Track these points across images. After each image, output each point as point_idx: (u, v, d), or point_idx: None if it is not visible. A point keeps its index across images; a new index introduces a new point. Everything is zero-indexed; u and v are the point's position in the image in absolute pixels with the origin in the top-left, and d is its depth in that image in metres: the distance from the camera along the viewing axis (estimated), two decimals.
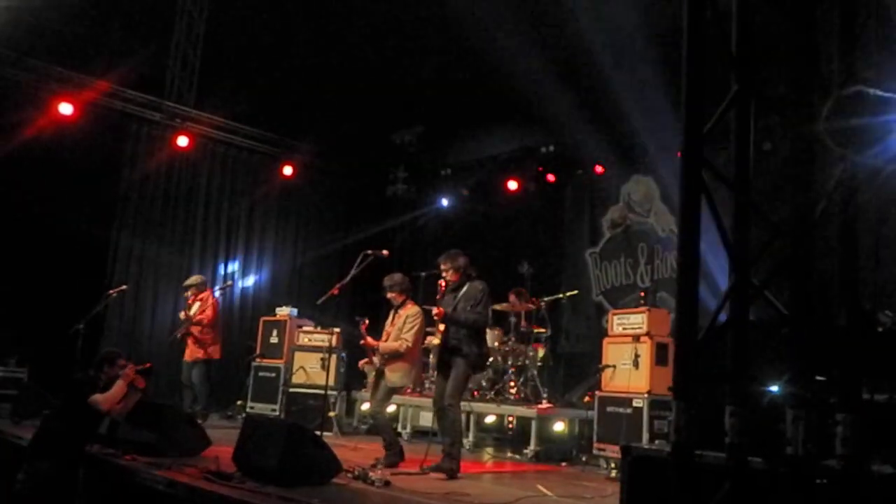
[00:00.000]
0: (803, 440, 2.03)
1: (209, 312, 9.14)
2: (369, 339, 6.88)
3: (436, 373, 6.63)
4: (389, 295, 6.93)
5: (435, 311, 6.31)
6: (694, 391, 2.21)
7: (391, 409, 8.50)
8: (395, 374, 6.72)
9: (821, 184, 2.34)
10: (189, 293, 9.45)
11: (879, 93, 2.23)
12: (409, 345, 6.68)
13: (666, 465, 2.46)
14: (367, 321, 7.05)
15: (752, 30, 2.53)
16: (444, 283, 6.44)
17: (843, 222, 2.28)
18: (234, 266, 11.73)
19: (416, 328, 6.73)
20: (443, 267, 6.46)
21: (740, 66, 2.48)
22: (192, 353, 9.13)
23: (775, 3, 2.46)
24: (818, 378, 2.15)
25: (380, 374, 6.81)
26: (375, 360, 6.84)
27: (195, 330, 9.06)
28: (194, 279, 9.55)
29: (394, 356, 6.73)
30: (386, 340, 6.86)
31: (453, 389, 6.16)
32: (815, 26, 2.36)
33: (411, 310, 6.84)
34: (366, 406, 9.65)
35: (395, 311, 6.92)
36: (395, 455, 6.55)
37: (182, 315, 9.34)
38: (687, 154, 2.39)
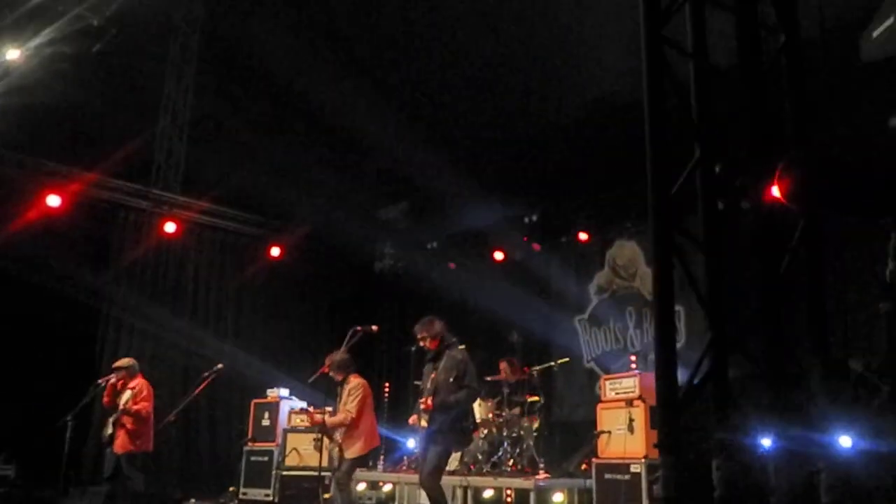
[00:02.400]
0: (787, 491, 2.06)
1: (145, 404, 8.16)
2: (315, 417, 7.34)
3: (421, 449, 6.50)
4: (331, 374, 7.32)
5: (422, 405, 6.26)
6: (680, 445, 2.25)
7: (360, 487, 9.11)
8: (349, 446, 7.07)
9: (786, 240, 2.43)
10: (116, 377, 8.37)
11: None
12: (353, 415, 7.02)
13: None
14: (312, 408, 7.70)
15: (710, 98, 2.66)
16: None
17: (809, 274, 2.37)
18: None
19: (358, 398, 7.09)
20: (419, 336, 6.45)
21: (701, 132, 2.61)
22: (123, 444, 8.08)
23: (729, 73, 2.60)
24: (801, 430, 2.19)
25: (341, 449, 7.16)
26: (336, 436, 7.17)
27: (127, 421, 8.06)
28: (125, 362, 8.56)
29: (347, 430, 7.07)
30: None
31: (431, 469, 6.10)
32: (767, 93, 2.49)
33: (353, 382, 7.22)
34: (361, 486, 9.54)
35: (341, 387, 7.29)
36: None
37: (105, 399, 8.29)
38: (656, 217, 2.49)
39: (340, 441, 7.20)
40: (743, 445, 2.25)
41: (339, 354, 7.30)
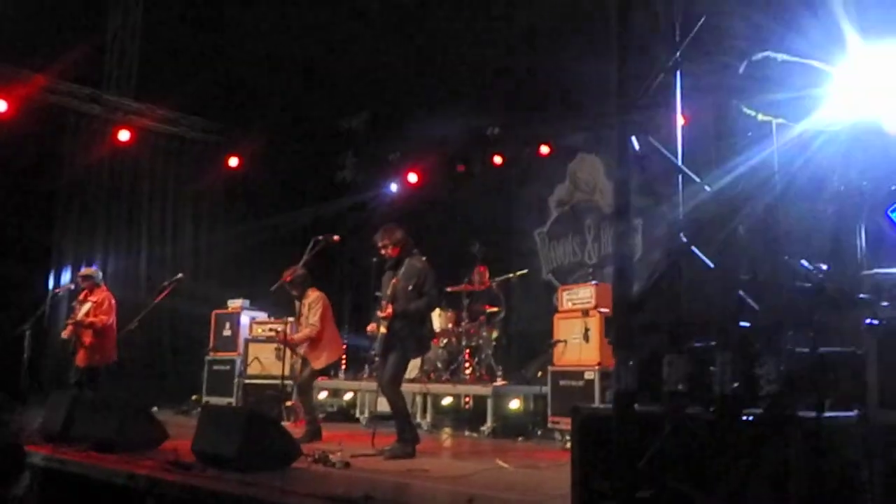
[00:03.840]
0: (730, 381, 2.18)
1: (103, 317, 8.09)
2: (282, 335, 7.66)
3: (380, 355, 6.51)
4: (288, 289, 7.50)
5: (381, 313, 6.31)
6: (632, 343, 2.36)
7: (322, 395, 9.56)
8: (315, 357, 7.35)
9: (741, 149, 2.49)
10: (81, 286, 8.38)
11: (786, 57, 2.39)
12: (318, 328, 7.28)
13: (612, 421, 2.60)
14: (278, 326, 8.04)
15: (676, 9, 2.67)
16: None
17: (763, 182, 2.44)
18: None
19: (319, 311, 7.33)
20: (380, 244, 6.45)
21: (668, 39, 2.62)
22: (83, 358, 8.13)
23: None
24: (743, 325, 2.31)
25: (305, 361, 7.43)
26: (300, 349, 7.50)
27: (86, 335, 8.05)
28: (89, 271, 8.47)
29: (311, 343, 7.33)
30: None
31: (391, 376, 6.22)
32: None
33: (312, 296, 7.42)
34: (323, 395, 9.76)
35: (299, 302, 7.50)
36: (312, 433, 7.01)
37: (74, 314, 8.25)
38: (620, 123, 2.53)
39: (305, 353, 7.42)
40: (692, 343, 2.37)
41: (297, 271, 7.40)
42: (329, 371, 8.86)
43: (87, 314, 8.12)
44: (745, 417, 2.25)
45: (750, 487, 2.22)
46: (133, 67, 11.14)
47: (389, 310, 6.20)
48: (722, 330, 2.22)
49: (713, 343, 2.32)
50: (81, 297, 8.35)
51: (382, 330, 6.30)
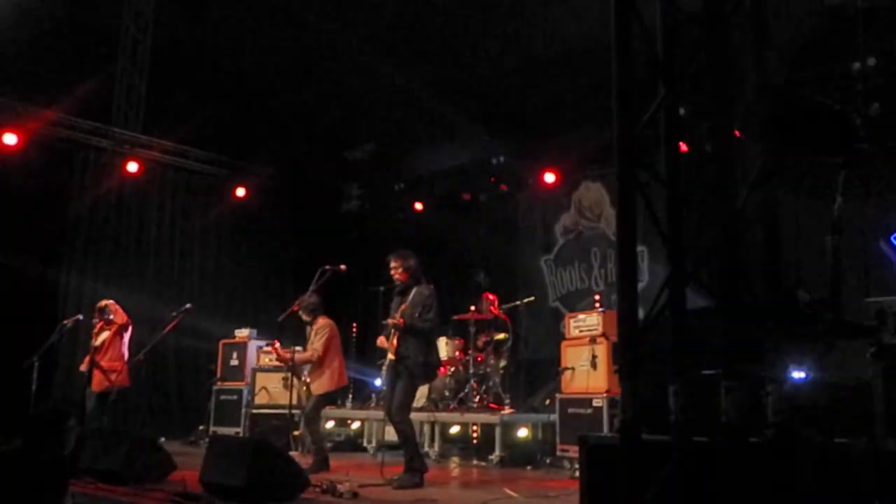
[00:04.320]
0: (737, 409, 2.19)
1: (115, 351, 8.44)
2: (281, 353, 7.64)
3: (386, 383, 6.58)
4: (301, 315, 7.57)
5: (392, 320, 6.34)
6: (639, 372, 2.37)
7: (329, 424, 9.48)
8: (316, 383, 7.41)
9: (743, 177, 2.53)
10: (96, 318, 8.67)
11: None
12: (320, 352, 7.34)
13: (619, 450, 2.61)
14: (277, 340, 7.99)
15: (675, 40, 2.72)
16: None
17: (764, 210, 2.47)
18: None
19: (325, 337, 7.40)
20: (392, 265, 6.51)
21: (666, 73, 2.67)
22: (98, 382, 8.39)
23: (693, 18, 2.65)
24: (747, 353, 2.32)
25: (308, 387, 7.56)
26: (304, 374, 7.60)
27: (103, 360, 8.37)
28: (103, 303, 8.73)
29: (313, 367, 7.41)
30: None
31: (399, 404, 6.21)
32: (729, 37, 2.55)
33: (320, 323, 7.52)
34: (330, 424, 9.73)
35: (309, 327, 7.58)
36: (319, 463, 7.02)
37: (85, 361, 8.58)
38: (621, 153, 2.56)
39: (307, 378, 7.51)
40: (699, 376, 2.38)
41: (309, 297, 7.47)
42: (336, 400, 8.85)
43: (102, 345, 8.41)
44: (752, 444, 2.25)
45: None
46: (140, 101, 11.29)
47: (400, 319, 6.23)
48: (727, 359, 2.23)
49: (718, 372, 2.34)
50: (97, 329, 8.63)
51: (390, 356, 6.31)
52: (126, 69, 11.17)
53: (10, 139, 9.84)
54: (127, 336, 8.69)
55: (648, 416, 2.50)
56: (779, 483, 2.36)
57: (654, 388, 2.48)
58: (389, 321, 6.37)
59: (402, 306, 6.31)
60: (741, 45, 2.58)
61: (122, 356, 8.55)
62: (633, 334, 2.42)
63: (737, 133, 2.54)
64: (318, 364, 7.37)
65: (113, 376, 8.33)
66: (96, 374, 8.36)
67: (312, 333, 7.50)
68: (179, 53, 11.10)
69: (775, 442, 2.29)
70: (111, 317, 8.55)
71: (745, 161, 2.50)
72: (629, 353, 2.43)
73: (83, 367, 8.60)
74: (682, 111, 2.88)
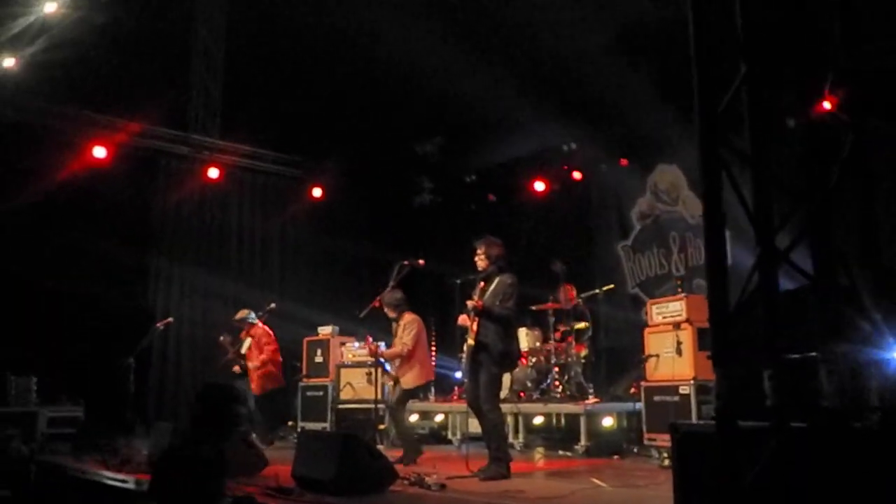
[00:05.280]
0: (838, 393, 2.10)
1: (263, 357, 9.16)
2: (373, 348, 7.93)
3: (467, 372, 6.52)
4: (387, 311, 7.72)
5: (471, 302, 6.28)
6: (732, 358, 2.30)
7: (413, 417, 9.54)
8: (406, 377, 7.53)
9: (834, 153, 2.42)
10: (239, 327, 9.50)
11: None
12: (409, 347, 7.48)
13: (714, 438, 2.55)
14: (370, 337, 8.24)
15: (756, 13, 2.62)
16: (482, 284, 6.43)
17: (858, 186, 2.36)
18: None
19: (413, 332, 7.54)
20: (478, 251, 6.46)
21: (748, 48, 2.58)
22: (258, 387, 9.25)
23: None
24: (846, 334, 2.23)
25: (396, 381, 7.64)
26: (391, 369, 7.78)
27: (253, 368, 9.10)
28: (241, 314, 9.50)
29: (402, 362, 7.55)
30: None
31: (487, 393, 6.17)
32: (814, 4, 2.44)
33: (407, 318, 7.65)
34: (414, 417, 9.83)
35: (396, 323, 7.70)
36: (411, 453, 7.20)
37: (230, 353, 9.20)
38: (704, 134, 2.49)
39: (396, 372, 7.63)
40: (794, 359, 2.30)
41: (393, 293, 7.61)
42: (419, 394, 8.95)
43: (249, 349, 9.10)
44: (855, 429, 2.16)
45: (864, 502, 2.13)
46: (217, 108, 11.63)
47: (479, 301, 6.21)
48: (824, 341, 2.14)
49: (815, 355, 2.25)
50: (242, 335, 9.32)
51: (470, 341, 6.25)
52: (201, 76, 11.52)
53: (100, 152, 10.27)
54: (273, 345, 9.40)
55: (743, 402, 2.43)
56: (884, 470, 2.26)
57: (748, 373, 2.41)
58: (468, 303, 6.31)
59: (484, 291, 6.30)
60: (827, 12, 2.46)
61: (266, 360, 9.20)
62: (724, 318, 2.35)
63: (826, 107, 2.43)
64: (407, 359, 7.51)
65: (268, 383, 9.13)
66: (253, 379, 9.15)
67: (400, 329, 7.63)
68: (251, 58, 11.36)
69: (881, 427, 2.19)
70: (252, 340, 9.27)
71: (835, 136, 2.39)
72: (721, 337, 2.36)
73: (237, 370, 9.34)
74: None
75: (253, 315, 9.36)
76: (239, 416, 4.17)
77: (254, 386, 9.19)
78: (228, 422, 4.12)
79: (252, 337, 9.20)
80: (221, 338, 9.16)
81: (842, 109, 2.38)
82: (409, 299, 7.91)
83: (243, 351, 9.15)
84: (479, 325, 6.20)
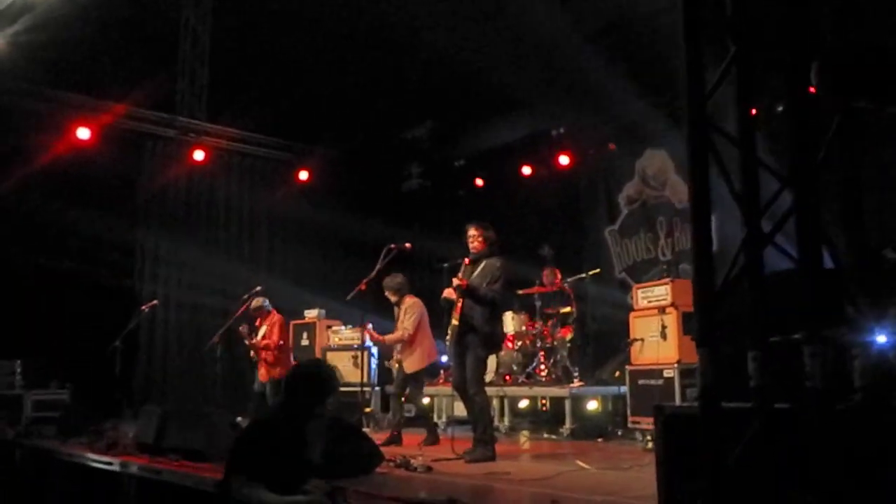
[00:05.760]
0: (822, 374, 2.12)
1: (274, 337, 9.08)
2: (374, 335, 7.80)
3: (452, 355, 6.45)
4: (388, 295, 7.66)
5: (456, 280, 6.24)
6: (715, 338, 2.31)
7: (426, 400, 8.88)
8: (408, 361, 7.52)
9: (820, 133, 2.43)
10: (254, 315, 9.33)
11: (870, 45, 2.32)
12: (410, 331, 7.44)
13: (697, 420, 2.56)
14: (369, 323, 8.01)
15: None
16: (467, 260, 6.42)
17: (845, 166, 2.37)
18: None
19: (414, 316, 7.49)
20: (472, 232, 6.38)
21: (736, 29, 2.58)
22: (266, 372, 9.10)
23: None
24: (831, 315, 2.24)
25: (399, 365, 7.64)
26: (395, 353, 7.72)
27: (267, 355, 9.03)
28: (256, 302, 9.33)
29: (404, 346, 7.53)
30: None
31: (473, 376, 6.16)
32: None
33: (409, 301, 7.61)
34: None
35: (397, 307, 7.66)
36: (432, 436, 7.34)
37: (246, 340, 9.17)
38: (692, 115, 2.49)
39: (399, 356, 7.63)
40: (778, 340, 2.32)
41: (394, 277, 7.62)
42: (422, 377, 8.82)
43: (263, 337, 8.98)
44: (838, 410, 2.18)
45: (847, 482, 2.15)
46: (204, 90, 11.54)
47: (462, 279, 6.17)
48: (808, 323, 2.16)
49: (799, 336, 2.26)
50: (257, 323, 9.18)
51: (454, 321, 6.19)
52: (188, 59, 11.42)
53: (84, 133, 10.18)
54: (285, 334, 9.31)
55: (726, 384, 2.45)
56: (867, 450, 2.28)
57: (731, 354, 2.43)
58: (454, 280, 6.26)
59: (473, 274, 6.27)
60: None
61: (282, 348, 9.10)
62: (709, 299, 2.36)
63: (812, 89, 2.44)
64: (409, 343, 7.49)
65: (277, 370, 8.92)
66: (262, 367, 9.01)
67: (401, 313, 7.59)
68: (238, 41, 11.27)
69: (863, 408, 2.21)
70: (267, 328, 9.13)
71: (820, 118, 2.40)
72: (706, 318, 2.37)
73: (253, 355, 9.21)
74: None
75: (268, 303, 9.30)
76: (330, 390, 4.04)
77: (264, 372, 9.07)
78: (319, 395, 4.00)
79: (267, 325, 9.15)
80: (241, 327, 9.13)
81: (829, 91, 2.39)
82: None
83: (259, 338, 9.08)
84: (463, 305, 6.15)
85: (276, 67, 11.10)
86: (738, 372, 2.42)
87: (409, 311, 7.52)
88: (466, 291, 6.14)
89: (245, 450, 4.05)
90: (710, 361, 2.33)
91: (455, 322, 6.21)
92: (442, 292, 6.44)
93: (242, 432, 4.67)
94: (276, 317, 9.18)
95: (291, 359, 9.21)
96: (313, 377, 4.19)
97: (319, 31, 10.82)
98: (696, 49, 2.53)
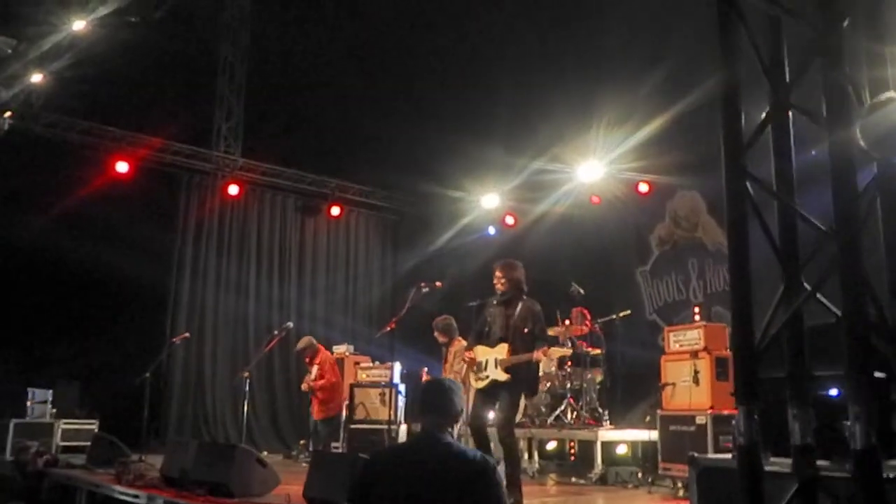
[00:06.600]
0: (866, 434, 2.05)
1: (329, 377, 9.22)
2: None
3: (480, 396, 6.21)
4: (437, 335, 7.69)
5: (467, 358, 6.20)
6: (756, 395, 2.25)
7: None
8: None
9: (862, 186, 2.39)
10: (304, 356, 9.49)
11: None
12: (462, 376, 7.03)
13: (733, 474, 2.49)
14: (425, 368, 8.19)
15: (782, 45, 2.60)
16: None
17: (888, 216, 2.32)
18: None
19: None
20: (497, 274, 6.21)
21: (774, 79, 2.56)
22: (320, 411, 9.26)
23: (803, 18, 2.53)
24: (877, 375, 2.18)
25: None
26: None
27: (319, 392, 9.16)
28: (303, 342, 9.46)
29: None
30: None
31: (505, 418, 6.02)
32: (841, 38, 2.42)
33: (458, 345, 7.51)
34: None
35: (446, 349, 7.64)
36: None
37: (304, 386, 9.34)
38: (729, 163, 2.46)
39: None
40: (819, 396, 2.25)
41: (445, 318, 7.68)
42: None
43: (316, 378, 9.15)
44: (886, 474, 2.10)
45: None
46: (239, 126, 11.75)
47: (473, 356, 6.12)
48: (853, 379, 2.09)
49: (843, 394, 2.20)
50: (307, 362, 9.36)
51: (478, 385, 6.12)
52: (224, 94, 11.65)
53: (122, 167, 10.39)
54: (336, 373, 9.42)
55: (765, 441, 2.38)
56: None
57: (771, 410, 2.36)
58: (467, 355, 6.19)
59: (506, 321, 6.15)
60: (853, 42, 2.44)
61: (333, 388, 9.23)
62: (749, 354, 2.31)
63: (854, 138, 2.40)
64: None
65: (330, 407, 9.16)
66: (315, 405, 9.21)
67: (450, 356, 7.54)
68: (274, 79, 11.49)
69: None
70: (318, 367, 9.28)
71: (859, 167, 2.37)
72: (746, 373, 2.31)
73: (304, 388, 9.41)
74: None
75: (314, 342, 9.41)
76: (458, 407, 3.90)
77: (316, 409, 9.23)
78: (448, 411, 3.84)
79: (318, 364, 9.26)
80: (303, 386, 9.29)
81: (869, 143, 2.36)
82: (426, 322, 7.88)
83: (313, 378, 9.20)
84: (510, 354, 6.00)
85: (309, 104, 11.28)
86: (776, 426, 2.36)
87: (459, 354, 7.36)
88: (512, 366, 5.98)
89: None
90: (750, 419, 2.27)
91: (480, 385, 6.10)
92: (469, 333, 6.40)
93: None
94: (324, 354, 9.30)
95: (343, 394, 9.29)
96: (439, 393, 3.95)
97: (351, 68, 10.99)
98: (735, 93, 2.51)
